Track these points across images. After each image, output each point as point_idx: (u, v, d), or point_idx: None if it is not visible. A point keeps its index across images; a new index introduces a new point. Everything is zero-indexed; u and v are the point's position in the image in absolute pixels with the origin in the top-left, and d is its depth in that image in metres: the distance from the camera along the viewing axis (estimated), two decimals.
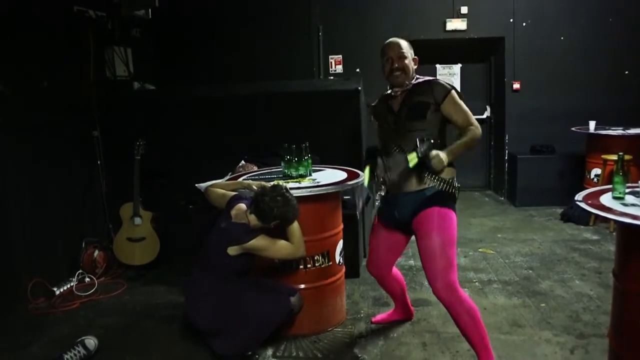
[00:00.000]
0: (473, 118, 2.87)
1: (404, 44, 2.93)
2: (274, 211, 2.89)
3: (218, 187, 3.30)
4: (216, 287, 3.04)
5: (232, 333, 3.04)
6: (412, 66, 2.93)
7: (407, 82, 2.91)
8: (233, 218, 3.02)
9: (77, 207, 4.73)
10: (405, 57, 2.89)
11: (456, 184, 2.95)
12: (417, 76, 2.97)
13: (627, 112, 6.36)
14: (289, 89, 5.01)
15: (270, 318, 3.05)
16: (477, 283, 4.18)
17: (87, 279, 4.43)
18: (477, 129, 2.84)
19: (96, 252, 4.59)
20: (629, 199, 2.54)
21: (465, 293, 2.79)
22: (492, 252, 4.91)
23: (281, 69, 6.65)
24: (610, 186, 2.69)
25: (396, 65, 2.88)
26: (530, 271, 4.39)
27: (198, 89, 5.46)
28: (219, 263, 3.00)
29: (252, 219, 2.96)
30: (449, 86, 2.86)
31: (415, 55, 2.97)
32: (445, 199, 2.86)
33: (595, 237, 5.23)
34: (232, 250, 2.94)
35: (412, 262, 4.67)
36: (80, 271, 4.46)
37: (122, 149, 4.80)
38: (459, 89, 2.86)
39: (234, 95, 5.00)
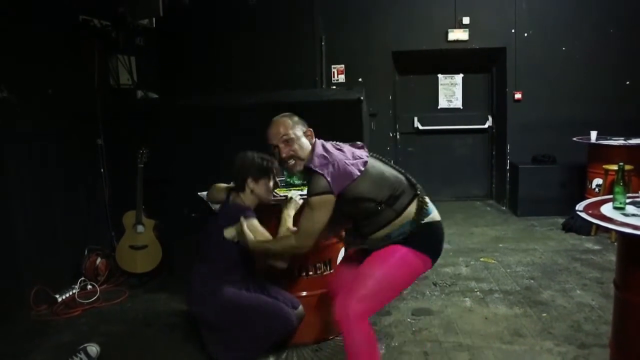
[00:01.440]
0: (308, 233, 2.47)
1: (288, 122, 2.58)
2: (242, 166, 3.06)
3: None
4: (218, 282, 3.02)
5: (233, 339, 3.04)
6: (305, 145, 2.57)
7: (304, 166, 2.56)
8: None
9: (80, 214, 4.75)
10: (293, 140, 2.55)
11: (422, 222, 2.54)
12: (319, 151, 2.52)
13: (628, 122, 6.39)
14: (292, 98, 5.03)
15: (270, 329, 3.05)
16: (478, 292, 4.18)
17: (89, 286, 4.43)
18: (297, 243, 2.52)
19: (98, 260, 4.60)
20: (630, 209, 2.55)
21: (369, 328, 2.49)
22: (493, 261, 4.91)
23: (284, 78, 6.68)
24: (611, 196, 2.70)
25: (284, 154, 2.56)
26: (532, 281, 4.39)
27: (201, 97, 5.50)
28: (219, 250, 3.03)
29: (243, 196, 3.07)
30: (319, 189, 2.40)
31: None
32: (410, 240, 2.52)
33: (596, 247, 5.23)
34: (228, 233, 2.96)
35: None
36: (83, 278, 4.47)
37: (125, 157, 4.83)
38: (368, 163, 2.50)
39: (236, 104, 5.03)
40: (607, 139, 5.83)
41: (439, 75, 7.44)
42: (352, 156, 2.52)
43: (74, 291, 4.33)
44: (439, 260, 4.95)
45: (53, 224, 4.41)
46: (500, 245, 5.44)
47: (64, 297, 4.23)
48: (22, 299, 4.00)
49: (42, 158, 4.30)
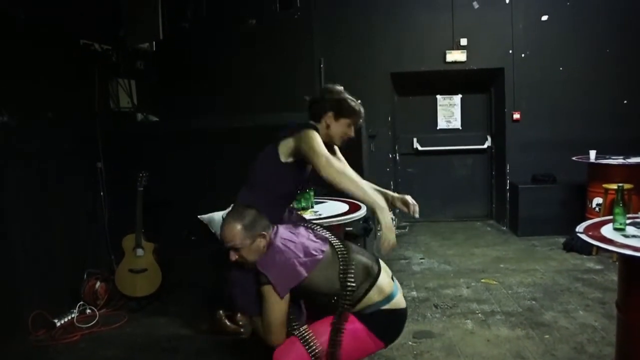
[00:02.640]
0: (266, 324, 2.38)
1: (237, 230, 2.38)
2: (330, 93, 2.87)
3: None
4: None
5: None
6: (255, 249, 2.40)
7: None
8: None
9: (80, 238, 4.74)
10: (240, 249, 2.40)
11: (382, 307, 2.41)
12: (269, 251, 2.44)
13: (627, 141, 6.40)
14: (290, 120, 5.05)
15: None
16: (480, 314, 4.15)
17: (88, 311, 4.40)
18: (262, 330, 2.44)
19: (98, 284, 4.58)
20: (630, 230, 2.55)
21: None
22: (494, 282, 4.89)
23: (283, 100, 6.70)
24: (611, 217, 2.70)
25: (232, 259, 2.40)
26: (534, 302, 4.36)
27: (201, 120, 5.53)
28: (261, 173, 2.71)
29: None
30: (264, 280, 2.33)
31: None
32: (368, 318, 2.42)
33: (598, 267, 5.20)
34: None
35: (414, 293, 4.65)
36: (82, 302, 4.43)
37: (125, 180, 4.83)
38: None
39: (236, 127, 5.05)
40: (606, 158, 5.84)
41: (438, 96, 7.48)
42: (304, 253, 2.34)
43: (72, 315, 4.29)
44: (440, 282, 4.97)
45: (52, 248, 4.39)
46: (501, 265, 5.42)
47: (62, 321, 4.20)
48: (20, 324, 3.96)
49: (42, 181, 4.31)
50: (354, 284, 2.34)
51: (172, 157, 5.02)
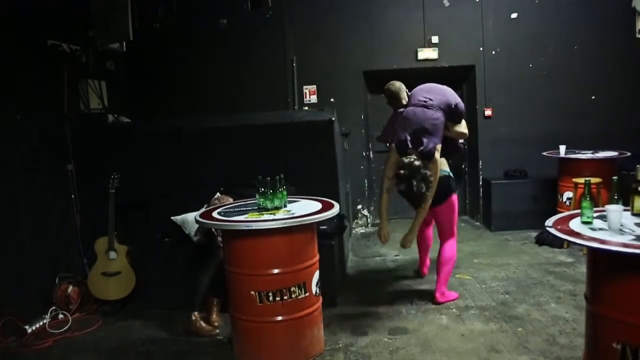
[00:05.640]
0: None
1: None
2: None
3: None
4: None
5: None
6: None
7: None
8: None
9: (51, 241, 4.65)
10: None
11: None
12: None
13: (595, 136, 6.52)
14: (264, 120, 5.03)
15: None
16: (454, 309, 4.19)
17: (60, 316, 4.34)
18: None
19: (70, 288, 4.51)
20: (597, 223, 2.60)
21: None
22: (469, 277, 4.94)
23: (256, 100, 6.71)
24: (579, 211, 2.75)
25: None
26: (507, 296, 4.43)
27: (173, 121, 5.47)
28: None
29: None
30: None
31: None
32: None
33: (569, 260, 5.30)
34: None
35: (389, 289, 4.68)
36: (54, 307, 4.37)
37: (96, 182, 4.76)
38: None
39: (208, 128, 5.01)
40: (575, 153, 5.94)
41: None
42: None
43: (44, 321, 4.23)
44: (416, 279, 4.99)
45: (22, 252, 4.30)
46: (475, 260, 5.48)
47: (34, 327, 4.13)
48: None
49: (10, 185, 4.21)
50: None
51: (144, 159, 4.95)
